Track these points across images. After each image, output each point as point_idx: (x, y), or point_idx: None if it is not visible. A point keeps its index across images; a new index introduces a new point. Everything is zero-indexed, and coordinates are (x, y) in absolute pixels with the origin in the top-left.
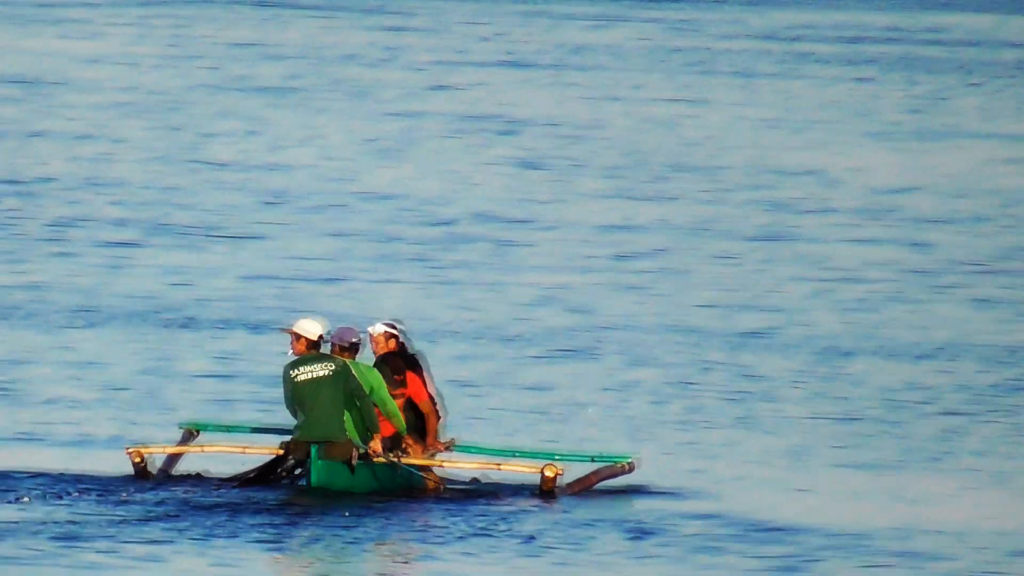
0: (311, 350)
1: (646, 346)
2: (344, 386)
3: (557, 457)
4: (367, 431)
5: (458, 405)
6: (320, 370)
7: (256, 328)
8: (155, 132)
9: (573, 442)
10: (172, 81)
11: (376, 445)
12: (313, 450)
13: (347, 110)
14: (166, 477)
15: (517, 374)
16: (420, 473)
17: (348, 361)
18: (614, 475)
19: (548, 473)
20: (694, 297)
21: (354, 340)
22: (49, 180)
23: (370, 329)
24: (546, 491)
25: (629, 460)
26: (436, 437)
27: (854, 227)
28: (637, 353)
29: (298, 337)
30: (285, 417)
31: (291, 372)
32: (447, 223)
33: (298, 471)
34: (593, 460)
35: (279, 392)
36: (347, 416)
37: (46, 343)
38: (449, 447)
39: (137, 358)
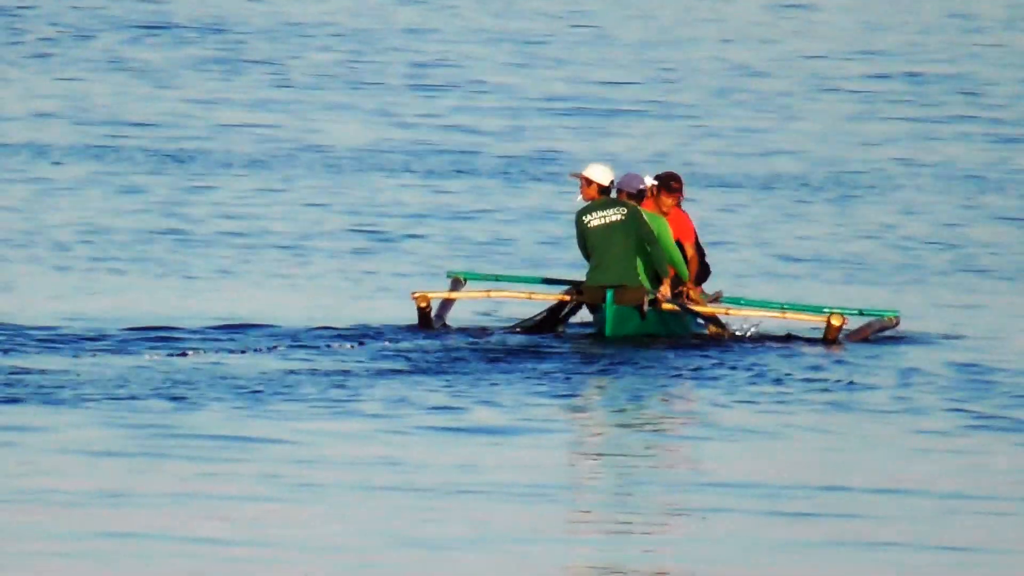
0: (601, 195)
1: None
2: (636, 231)
3: (826, 310)
4: (657, 276)
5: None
6: (612, 215)
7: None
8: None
9: (824, 297)
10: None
11: (666, 290)
12: (609, 294)
13: None
14: (444, 325)
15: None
16: (705, 320)
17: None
18: (884, 328)
19: (835, 322)
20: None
21: (641, 187)
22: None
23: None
24: (831, 339)
25: (896, 314)
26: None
27: None
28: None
29: (589, 182)
30: (551, 268)
31: (583, 217)
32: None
33: (588, 315)
34: (861, 313)
35: (544, 242)
36: (637, 261)
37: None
38: (717, 299)
39: (410, 206)
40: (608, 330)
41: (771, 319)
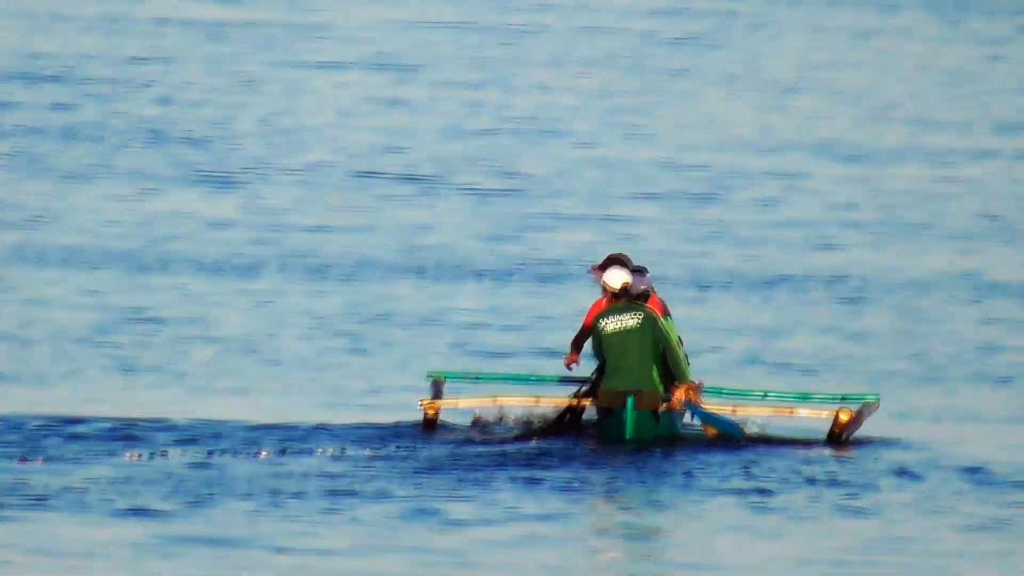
0: (617, 299)
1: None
2: (652, 335)
3: (797, 397)
4: (668, 377)
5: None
6: (628, 320)
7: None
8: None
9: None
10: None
11: (681, 394)
12: (629, 400)
13: None
14: (449, 427)
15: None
16: (726, 419)
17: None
18: (871, 413)
19: (843, 417)
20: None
21: (643, 287)
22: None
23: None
24: (837, 434)
25: (878, 397)
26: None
27: None
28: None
29: (604, 289)
30: (534, 366)
31: (600, 322)
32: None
33: (604, 419)
34: (843, 400)
35: (531, 339)
36: (652, 365)
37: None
38: (700, 388)
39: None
40: (628, 434)
41: (774, 414)
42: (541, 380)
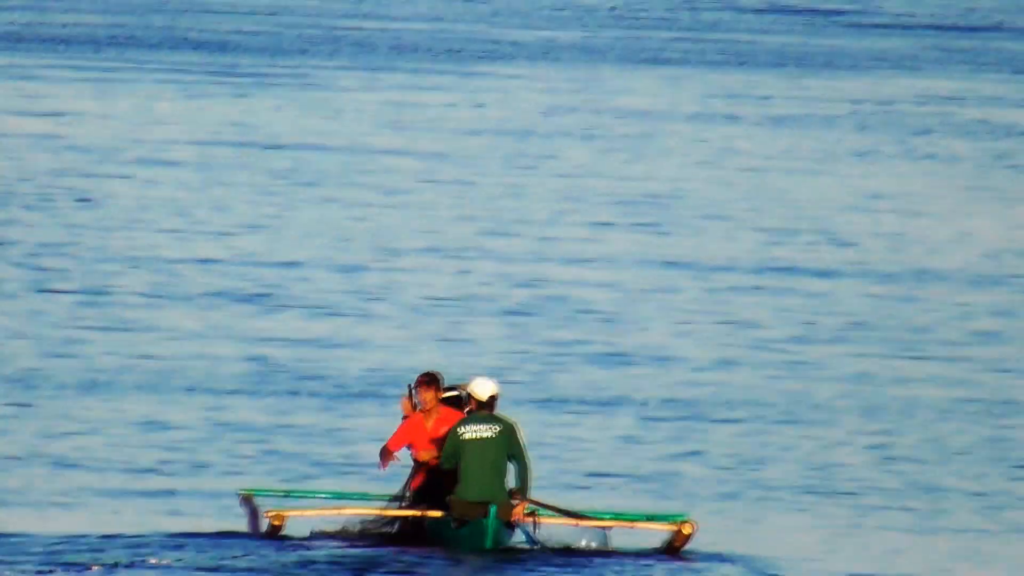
0: (481, 410)
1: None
2: (507, 447)
3: (609, 516)
4: (520, 491)
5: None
6: (486, 431)
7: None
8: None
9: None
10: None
11: (523, 506)
12: (492, 509)
13: None
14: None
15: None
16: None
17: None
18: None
19: (685, 531)
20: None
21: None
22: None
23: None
24: (677, 547)
25: (685, 519)
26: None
27: None
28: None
29: (470, 397)
30: (341, 484)
31: (459, 429)
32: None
33: (458, 529)
34: (649, 519)
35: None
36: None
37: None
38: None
39: (200, 418)
40: (489, 543)
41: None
42: (349, 496)
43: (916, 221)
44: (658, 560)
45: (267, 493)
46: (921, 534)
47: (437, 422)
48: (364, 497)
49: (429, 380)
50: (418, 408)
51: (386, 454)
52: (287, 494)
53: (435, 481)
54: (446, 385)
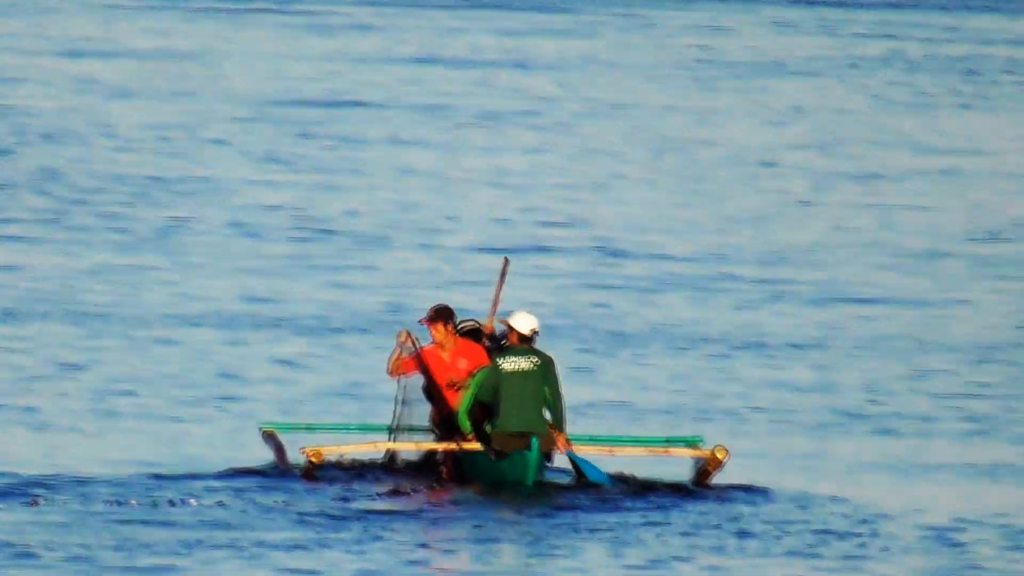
0: (522, 343)
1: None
2: (544, 380)
3: (643, 443)
4: (555, 426)
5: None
6: (524, 363)
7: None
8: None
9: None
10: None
11: (562, 441)
12: (535, 442)
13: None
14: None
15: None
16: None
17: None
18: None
19: (719, 455)
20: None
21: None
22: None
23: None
24: (710, 472)
25: (702, 440)
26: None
27: None
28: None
29: (511, 329)
30: (365, 416)
31: (498, 361)
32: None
33: (497, 462)
34: (668, 443)
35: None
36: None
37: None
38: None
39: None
40: (530, 478)
41: (649, 454)
42: (374, 429)
43: None
44: (692, 490)
45: (290, 428)
46: (962, 468)
47: (454, 354)
48: (389, 429)
49: (436, 316)
50: (418, 346)
51: (396, 369)
52: (310, 428)
53: (454, 414)
54: (461, 319)
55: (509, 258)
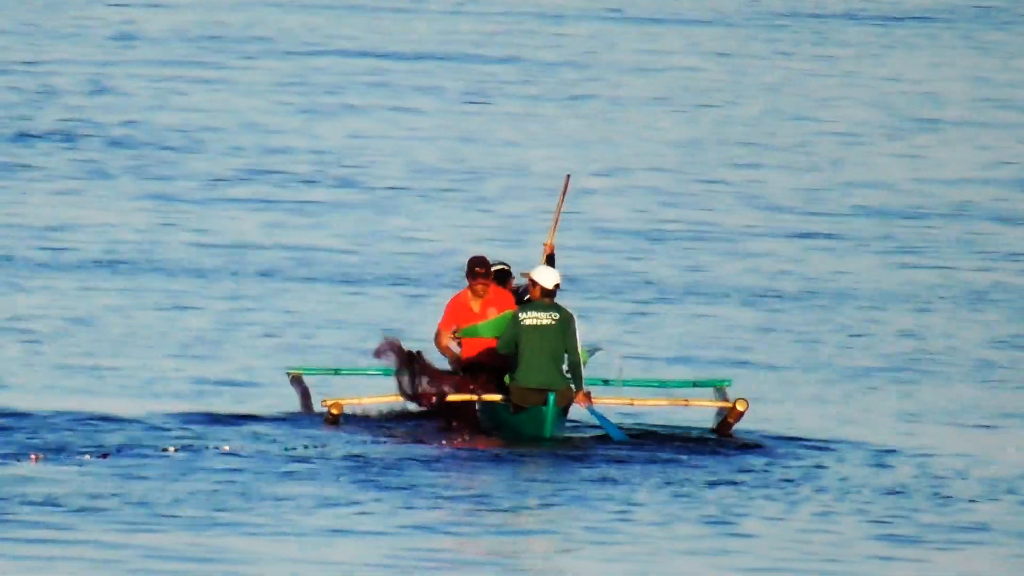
0: (544, 298)
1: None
2: (563, 336)
3: (657, 384)
4: (574, 383)
5: None
6: (545, 318)
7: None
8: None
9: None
10: None
11: (582, 396)
12: (551, 397)
13: None
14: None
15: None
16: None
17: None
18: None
19: (740, 407)
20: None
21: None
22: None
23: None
24: (731, 422)
25: (730, 383)
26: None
27: None
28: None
29: (533, 284)
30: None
31: (519, 315)
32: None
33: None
34: (695, 385)
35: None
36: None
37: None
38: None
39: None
40: (547, 432)
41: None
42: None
43: None
44: (711, 443)
45: (316, 372)
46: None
47: (484, 304)
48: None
49: (487, 271)
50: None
51: (440, 337)
52: (336, 372)
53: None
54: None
55: (570, 175)
